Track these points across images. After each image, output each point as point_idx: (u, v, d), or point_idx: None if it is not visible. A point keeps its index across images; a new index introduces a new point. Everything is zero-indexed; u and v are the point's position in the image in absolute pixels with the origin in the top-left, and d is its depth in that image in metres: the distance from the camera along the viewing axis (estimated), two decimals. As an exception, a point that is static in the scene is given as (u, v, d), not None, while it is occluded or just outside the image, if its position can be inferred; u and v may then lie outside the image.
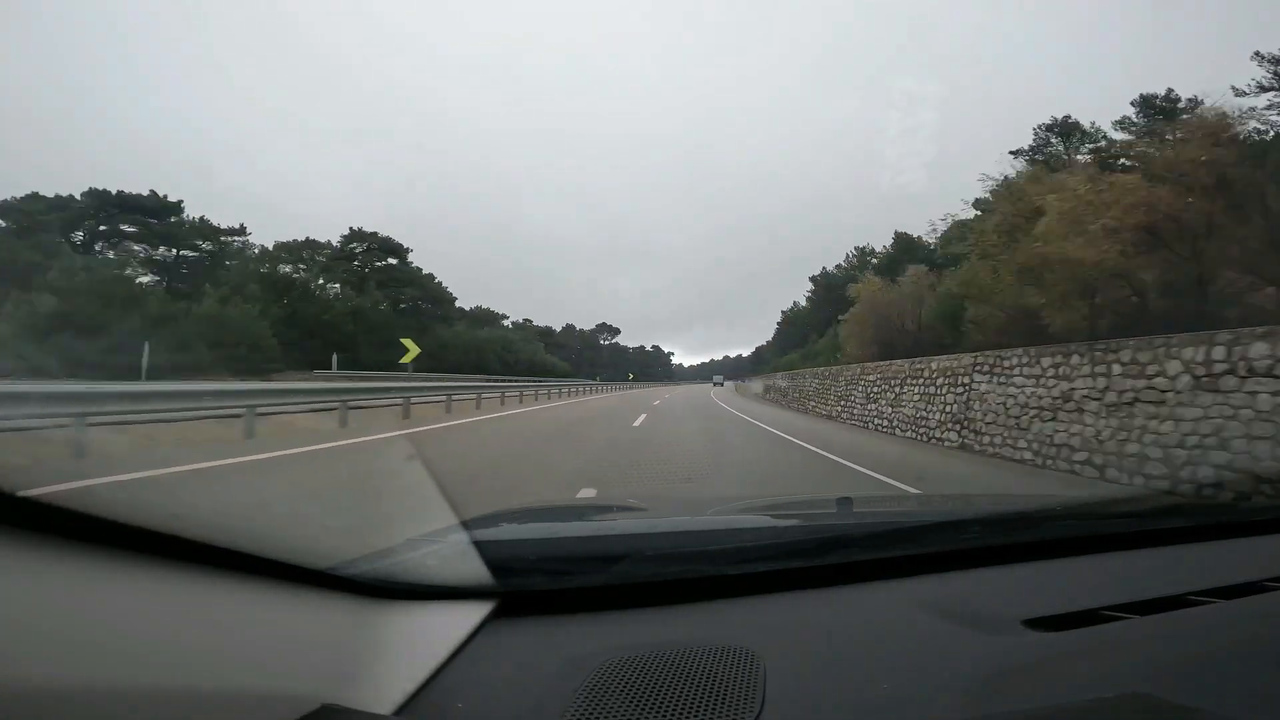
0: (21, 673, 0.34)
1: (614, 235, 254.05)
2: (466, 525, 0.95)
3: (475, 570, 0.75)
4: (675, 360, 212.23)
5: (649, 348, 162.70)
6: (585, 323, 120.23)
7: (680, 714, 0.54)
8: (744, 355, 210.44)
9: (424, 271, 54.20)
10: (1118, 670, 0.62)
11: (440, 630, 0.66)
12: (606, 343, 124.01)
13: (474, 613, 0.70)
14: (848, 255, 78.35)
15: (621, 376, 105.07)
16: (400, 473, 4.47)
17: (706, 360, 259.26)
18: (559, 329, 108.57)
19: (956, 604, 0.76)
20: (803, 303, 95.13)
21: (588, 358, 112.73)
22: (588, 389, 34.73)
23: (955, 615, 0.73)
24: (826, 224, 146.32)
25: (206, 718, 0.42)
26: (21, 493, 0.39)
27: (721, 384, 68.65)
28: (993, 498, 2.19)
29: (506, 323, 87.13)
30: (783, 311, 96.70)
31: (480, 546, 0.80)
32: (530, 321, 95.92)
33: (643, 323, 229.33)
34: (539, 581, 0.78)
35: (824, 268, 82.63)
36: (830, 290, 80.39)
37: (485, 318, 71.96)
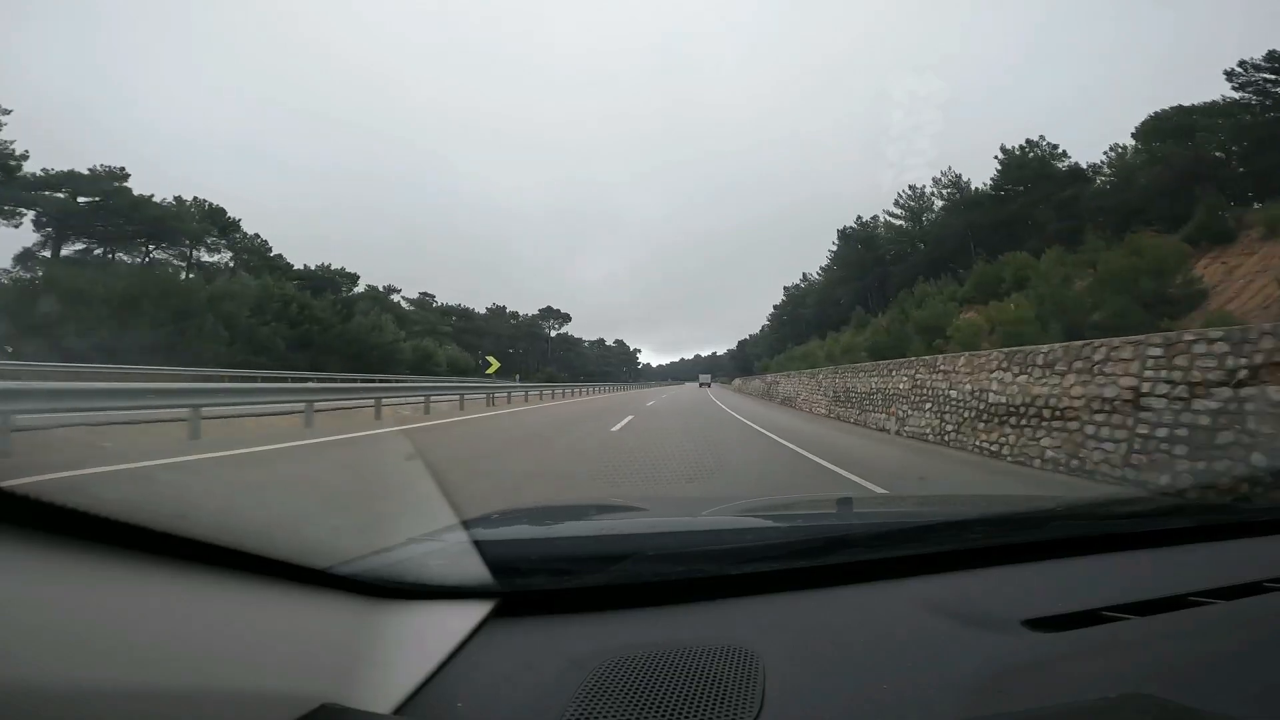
0: (21, 672, 0.34)
1: (578, 215, 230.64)
2: (466, 525, 0.94)
3: (475, 570, 0.75)
4: (643, 359, 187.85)
5: (610, 342, 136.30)
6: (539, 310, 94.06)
7: (680, 714, 0.54)
8: (719, 353, 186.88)
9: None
10: (1118, 671, 0.62)
11: (440, 630, 0.65)
12: (555, 332, 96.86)
13: (474, 612, 0.70)
14: (900, 195, 50.31)
15: (593, 375, 79.73)
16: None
17: (677, 359, 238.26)
18: (483, 310, 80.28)
19: (957, 604, 0.76)
20: (815, 274, 67.88)
21: (522, 350, 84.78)
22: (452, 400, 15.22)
23: (956, 615, 0.72)
24: (821, 224, 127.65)
25: (206, 717, 0.42)
26: (6, 485, 0.38)
27: (709, 384, 60.36)
28: (993, 498, 2.11)
29: (397, 298, 58.47)
30: (785, 288, 71.45)
31: (480, 546, 0.80)
32: (430, 298, 67.74)
33: (606, 316, 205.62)
34: (539, 581, 0.78)
35: (859, 216, 55.53)
36: (871, 246, 53.16)
37: (321, 279, 44.18)
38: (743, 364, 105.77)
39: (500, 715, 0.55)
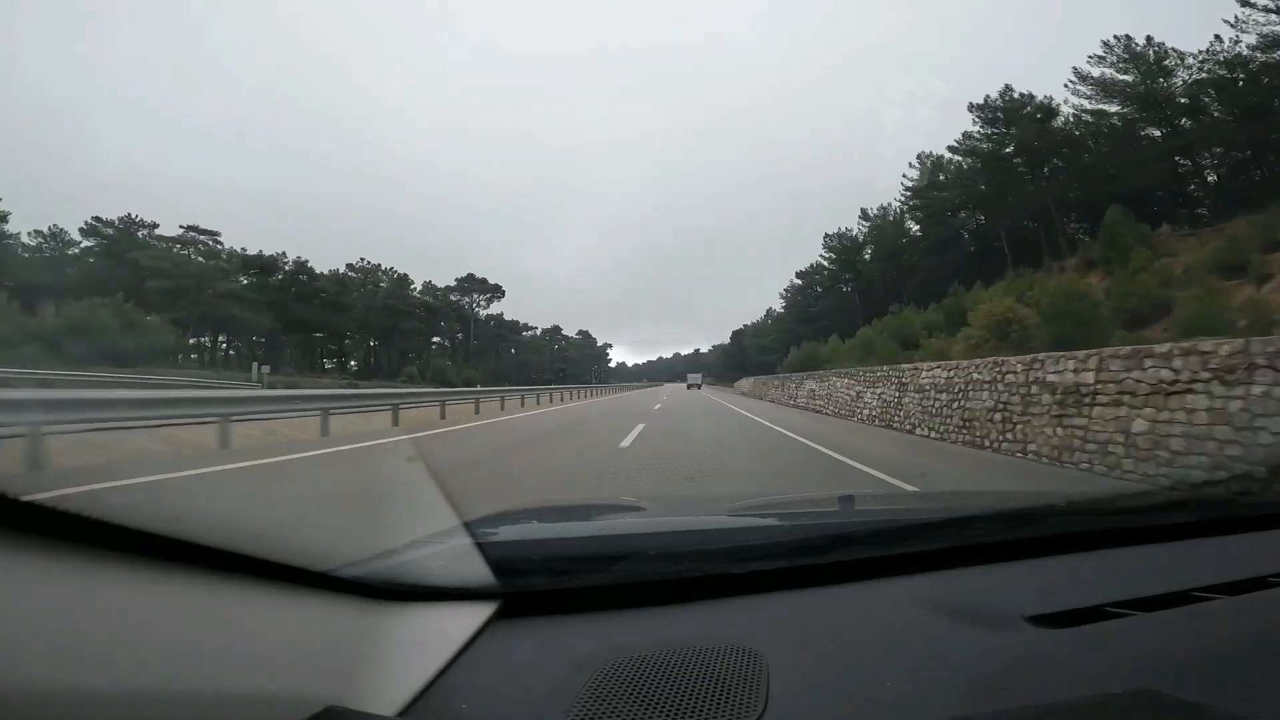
0: (28, 676, 0.34)
1: (546, 199, 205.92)
2: (469, 526, 0.94)
3: (478, 571, 0.75)
4: (615, 357, 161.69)
5: (572, 333, 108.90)
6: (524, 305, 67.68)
7: (684, 713, 0.54)
8: (702, 350, 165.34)
9: None
10: (1123, 666, 0.62)
11: (444, 631, 0.66)
12: (482, 311, 69.29)
13: (477, 614, 0.70)
14: (1111, 44, 20.59)
15: (532, 377, 55.70)
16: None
17: (654, 358, 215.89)
18: (342, 269, 52.29)
19: (960, 601, 0.76)
20: (876, 211, 41.45)
21: (443, 343, 57.23)
22: None
23: (958, 612, 0.72)
24: (815, 225, 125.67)
25: None
26: (26, 497, 0.39)
27: (699, 385, 50.62)
28: (995, 494, 2.06)
29: (144, 233, 30.54)
30: (826, 236, 45.29)
31: (483, 547, 0.80)
32: (209, 237, 40.00)
33: (575, 313, 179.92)
34: (542, 582, 0.78)
35: (1007, 87, 28.07)
36: (1043, 135, 26.20)
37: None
38: (739, 361, 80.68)
39: (504, 716, 0.55)
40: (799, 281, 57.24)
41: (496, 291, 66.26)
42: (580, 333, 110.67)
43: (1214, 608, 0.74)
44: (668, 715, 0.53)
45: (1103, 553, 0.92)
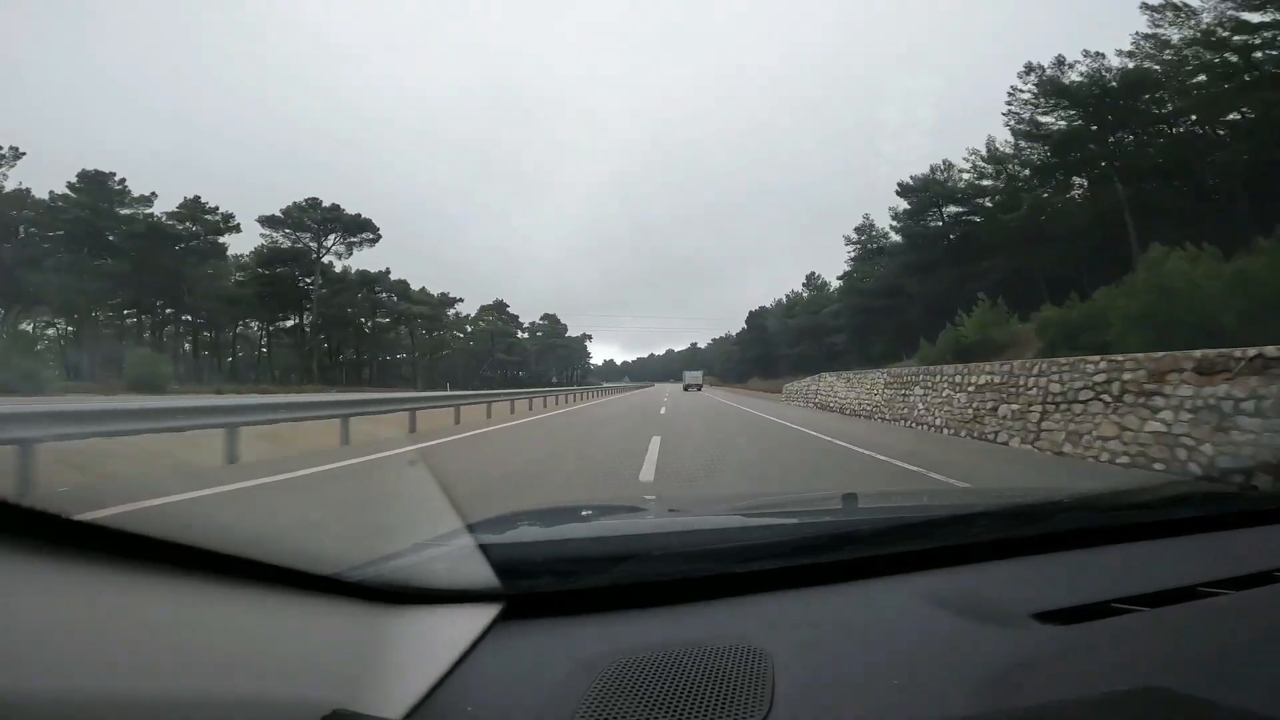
0: (37, 681, 0.34)
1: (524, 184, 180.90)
2: (472, 528, 0.94)
3: (482, 573, 0.75)
4: (600, 353, 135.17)
5: (537, 320, 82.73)
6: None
7: (690, 713, 0.54)
8: (700, 346, 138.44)
9: None
10: (1130, 663, 0.62)
11: (448, 634, 0.66)
12: (340, 264, 42.50)
13: (481, 616, 0.70)
14: None
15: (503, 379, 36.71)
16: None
17: (646, 355, 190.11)
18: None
19: (965, 598, 0.76)
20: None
21: (113, 286, 29.56)
22: None
23: (964, 610, 0.72)
24: (815, 218, 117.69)
25: None
26: (26, 504, 0.39)
27: (699, 386, 44.22)
28: (999, 491, 2.10)
29: None
30: (1028, 65, 15.68)
31: (486, 549, 0.80)
32: None
33: (574, 305, 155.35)
34: (546, 583, 0.78)
35: None
36: None
37: None
38: (759, 353, 66.24)
39: (510, 718, 0.55)
40: (903, 205, 30.83)
41: (364, 231, 39.44)
42: (545, 317, 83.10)
43: (1221, 603, 0.73)
44: (673, 715, 0.53)
45: (1109, 549, 0.92)
